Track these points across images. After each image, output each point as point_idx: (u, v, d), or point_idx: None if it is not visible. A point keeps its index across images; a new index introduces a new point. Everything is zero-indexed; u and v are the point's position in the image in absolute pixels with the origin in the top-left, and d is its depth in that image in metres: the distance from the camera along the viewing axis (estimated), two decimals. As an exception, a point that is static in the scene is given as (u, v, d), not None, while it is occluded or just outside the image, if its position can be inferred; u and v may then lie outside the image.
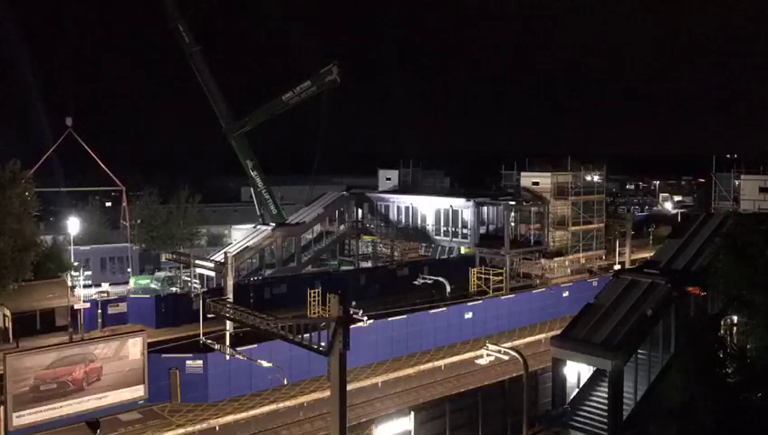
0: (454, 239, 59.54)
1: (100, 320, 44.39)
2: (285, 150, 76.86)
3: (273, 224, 62.17)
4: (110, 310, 45.77)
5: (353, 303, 22.59)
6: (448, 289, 50.37)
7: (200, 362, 34.56)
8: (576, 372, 30.73)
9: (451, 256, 63.67)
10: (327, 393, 27.14)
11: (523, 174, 62.87)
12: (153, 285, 57.55)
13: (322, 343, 22.51)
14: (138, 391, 32.21)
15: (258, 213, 63.68)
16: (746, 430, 21.73)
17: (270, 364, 32.86)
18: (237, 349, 33.96)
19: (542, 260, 61.01)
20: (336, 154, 71.74)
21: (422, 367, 39.95)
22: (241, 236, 67.15)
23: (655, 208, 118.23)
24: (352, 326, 21.47)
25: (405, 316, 42.62)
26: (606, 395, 28.54)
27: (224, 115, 61.13)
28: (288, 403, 34.13)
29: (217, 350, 34.13)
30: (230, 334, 34.91)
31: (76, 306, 42.39)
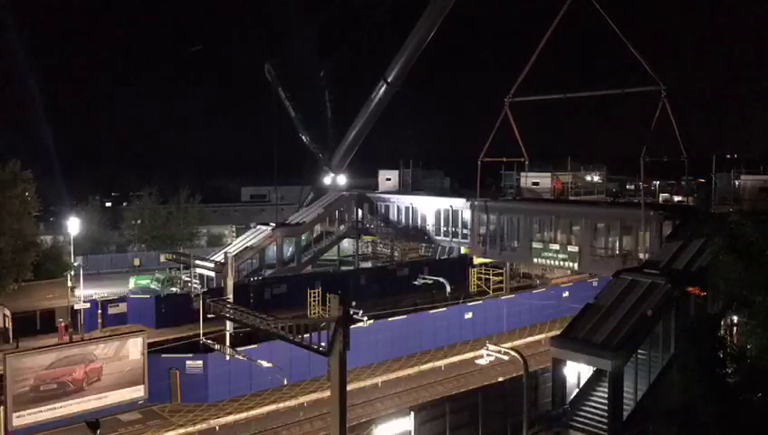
0: (454, 239, 59.46)
1: (100, 320, 44.38)
2: (287, 151, 76.86)
3: (273, 224, 62.28)
4: (110, 310, 45.74)
5: (353, 303, 22.56)
6: (448, 289, 50.38)
7: (200, 362, 34.57)
8: (576, 372, 30.73)
9: (451, 255, 63.67)
10: (327, 393, 27.15)
11: (522, 174, 62.76)
12: (153, 286, 57.56)
13: (322, 344, 22.50)
14: (138, 392, 32.23)
15: None
16: (746, 430, 21.70)
17: (270, 364, 32.88)
18: (237, 349, 33.97)
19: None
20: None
21: (422, 367, 39.97)
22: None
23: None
24: (352, 326, 21.46)
25: (405, 316, 42.63)
26: (606, 395, 28.53)
27: None
28: (288, 403, 34.14)
29: (217, 350, 34.13)
30: (230, 334, 34.91)
31: (76, 306, 42.37)
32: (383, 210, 65.11)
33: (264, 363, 32.86)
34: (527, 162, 52.68)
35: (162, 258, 65.72)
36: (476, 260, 54.21)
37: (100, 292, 54.45)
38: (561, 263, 46.99)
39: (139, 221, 79.22)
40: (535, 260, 49.21)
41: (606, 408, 28.36)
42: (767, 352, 23.09)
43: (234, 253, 51.93)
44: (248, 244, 59.80)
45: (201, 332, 35.51)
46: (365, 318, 22.73)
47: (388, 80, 62.16)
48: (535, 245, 48.34)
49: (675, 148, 48.51)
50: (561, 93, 52.19)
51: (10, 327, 41.66)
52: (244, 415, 32.96)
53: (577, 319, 31.44)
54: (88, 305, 43.25)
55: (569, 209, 48.80)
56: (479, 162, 51.20)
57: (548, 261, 48.04)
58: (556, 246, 46.90)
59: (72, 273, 49.08)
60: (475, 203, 52.66)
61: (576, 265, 46.12)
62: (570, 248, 45.87)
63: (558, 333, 33.81)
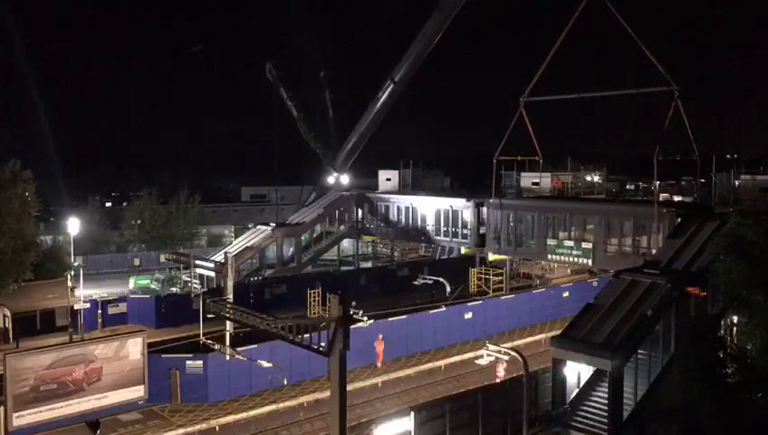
0: (454, 239, 59.52)
1: (100, 320, 44.38)
2: (288, 151, 77.15)
3: (273, 224, 62.35)
4: (110, 310, 45.77)
5: (353, 303, 22.55)
6: (448, 289, 50.34)
7: (200, 362, 34.54)
8: (576, 372, 30.73)
9: (451, 256, 63.68)
10: (327, 393, 27.14)
11: (523, 174, 62.82)
12: (153, 286, 57.57)
13: (322, 344, 22.49)
14: (138, 392, 32.19)
15: None
16: (746, 429, 21.72)
17: (270, 364, 32.87)
18: (237, 349, 33.96)
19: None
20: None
21: (422, 367, 39.95)
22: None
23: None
24: (352, 326, 21.46)
25: (405, 316, 42.61)
26: (606, 395, 28.54)
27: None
28: (288, 403, 34.12)
29: (217, 350, 34.12)
30: (230, 334, 34.90)
31: (76, 306, 42.39)
32: (383, 210, 65.14)
33: (264, 363, 32.85)
34: (541, 161, 53.72)
35: (162, 258, 65.74)
36: (491, 257, 55.18)
37: (100, 292, 54.51)
38: (576, 259, 47.95)
39: (139, 221, 79.25)
40: (550, 257, 50.30)
41: (606, 408, 28.36)
42: (767, 352, 23.12)
43: (234, 253, 51.96)
44: (248, 244, 59.85)
45: (201, 332, 35.49)
46: (365, 318, 22.72)
47: (396, 79, 62.12)
48: (550, 242, 49.33)
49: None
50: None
51: (10, 327, 41.66)
52: (244, 415, 32.93)
53: (577, 319, 31.44)
54: (88, 305, 43.27)
55: (583, 207, 49.47)
56: (494, 160, 51.77)
57: (562, 257, 49.00)
58: (570, 243, 47.90)
59: (72, 273, 49.09)
60: (490, 201, 53.40)
61: (590, 261, 47.17)
62: (584, 245, 46.73)
63: (558, 333, 33.79)
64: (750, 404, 22.44)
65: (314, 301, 44.28)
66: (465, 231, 57.87)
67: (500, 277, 52.66)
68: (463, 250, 60.70)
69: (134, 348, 32.13)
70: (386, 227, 65.13)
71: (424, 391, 36.68)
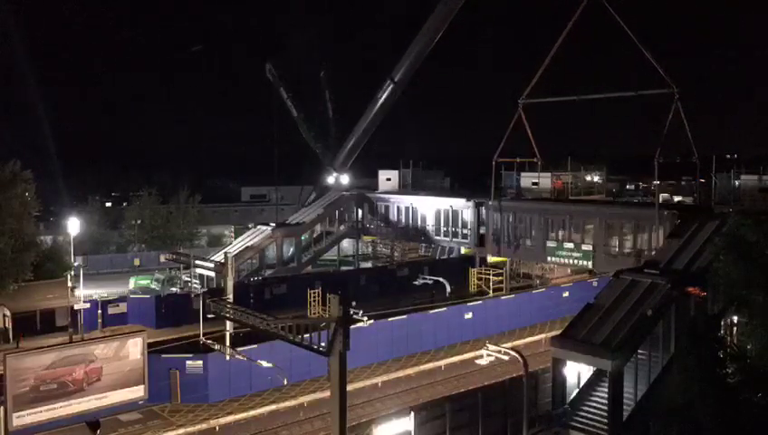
0: (454, 240, 59.52)
1: (100, 320, 44.38)
2: (288, 151, 77.41)
3: (273, 224, 62.36)
4: (110, 310, 45.77)
5: (353, 303, 22.55)
6: (448, 289, 50.33)
7: (200, 362, 34.55)
8: (576, 372, 30.74)
9: (451, 256, 63.67)
10: (327, 393, 27.13)
11: (523, 174, 62.82)
12: (153, 286, 57.57)
13: (322, 344, 22.48)
14: (138, 392, 32.15)
15: None
16: (746, 429, 21.70)
17: (270, 364, 32.87)
18: (237, 349, 33.95)
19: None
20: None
21: (422, 367, 39.95)
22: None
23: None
24: (352, 326, 21.45)
25: (405, 316, 42.61)
26: (606, 395, 28.55)
27: None
28: (288, 403, 34.13)
29: (217, 350, 34.12)
30: (230, 335, 34.89)
31: (76, 306, 42.40)
32: (383, 210, 65.14)
33: (264, 363, 32.84)
34: (540, 163, 53.83)
35: (162, 258, 65.74)
36: (491, 259, 55.07)
37: (100, 292, 54.51)
38: (576, 262, 47.91)
39: (139, 221, 79.31)
40: (550, 259, 50.30)
41: (606, 408, 28.38)
42: (767, 352, 23.10)
43: (234, 253, 51.95)
44: (248, 244, 59.85)
45: (201, 332, 35.50)
46: (365, 318, 22.72)
47: (396, 79, 62.12)
48: (549, 244, 49.36)
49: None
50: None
51: (10, 327, 41.66)
52: (244, 415, 32.94)
53: (577, 319, 31.46)
54: (88, 305, 43.28)
55: (583, 209, 49.40)
56: (494, 162, 51.81)
57: (562, 260, 49.00)
58: (570, 245, 47.90)
59: (72, 273, 49.10)
60: (490, 203, 53.37)
61: (590, 263, 47.18)
62: (584, 247, 46.70)
63: (558, 333, 33.81)
64: (750, 404, 22.42)
65: (314, 301, 44.29)
66: (465, 231, 57.86)
67: (500, 277, 52.66)
68: (463, 250, 60.70)
69: (134, 348, 32.10)
70: (386, 227, 65.13)
71: (424, 391, 36.68)
